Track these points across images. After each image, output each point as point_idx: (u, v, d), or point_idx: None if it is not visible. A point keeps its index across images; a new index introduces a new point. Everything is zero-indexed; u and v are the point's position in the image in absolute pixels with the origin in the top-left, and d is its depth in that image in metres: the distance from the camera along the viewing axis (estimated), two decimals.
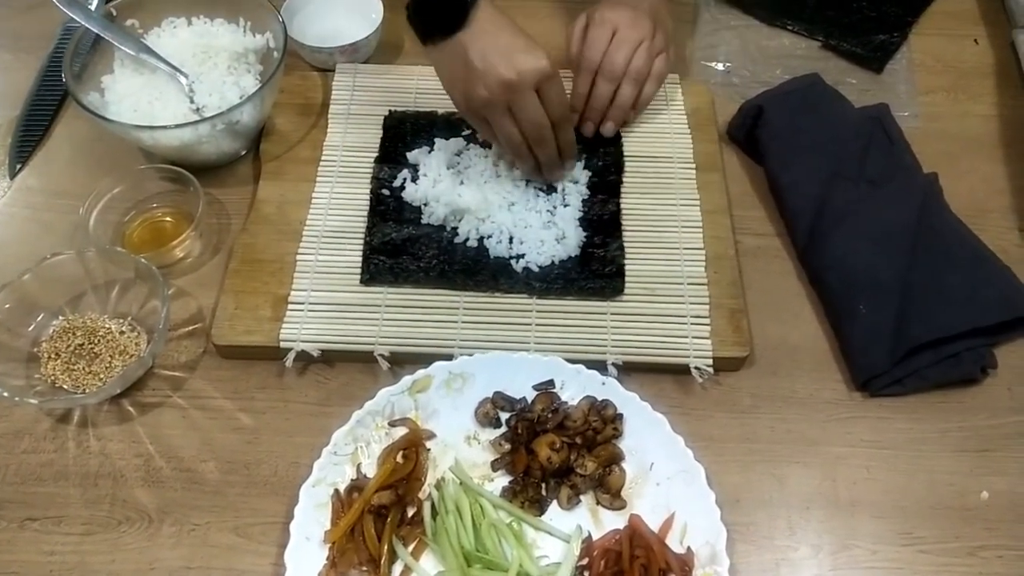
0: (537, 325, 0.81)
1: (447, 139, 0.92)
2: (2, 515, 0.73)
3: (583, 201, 0.88)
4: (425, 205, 0.88)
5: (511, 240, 0.85)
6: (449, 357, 0.78)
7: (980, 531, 0.72)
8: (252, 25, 0.96)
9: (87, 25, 0.90)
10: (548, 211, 0.87)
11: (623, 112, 0.92)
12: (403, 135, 0.94)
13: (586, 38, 0.91)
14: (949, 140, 0.97)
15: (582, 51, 0.91)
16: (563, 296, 0.82)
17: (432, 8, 0.80)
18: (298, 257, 0.85)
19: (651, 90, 0.93)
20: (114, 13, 0.93)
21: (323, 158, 0.93)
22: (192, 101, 0.91)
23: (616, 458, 0.74)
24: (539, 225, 0.86)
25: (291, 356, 0.79)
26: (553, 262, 0.84)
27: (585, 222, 0.87)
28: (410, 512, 0.72)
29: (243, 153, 0.95)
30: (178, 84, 0.92)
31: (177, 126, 0.85)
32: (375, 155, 0.93)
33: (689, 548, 0.69)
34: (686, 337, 0.80)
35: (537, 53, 0.78)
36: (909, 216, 0.85)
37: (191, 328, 0.83)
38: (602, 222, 0.87)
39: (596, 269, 0.83)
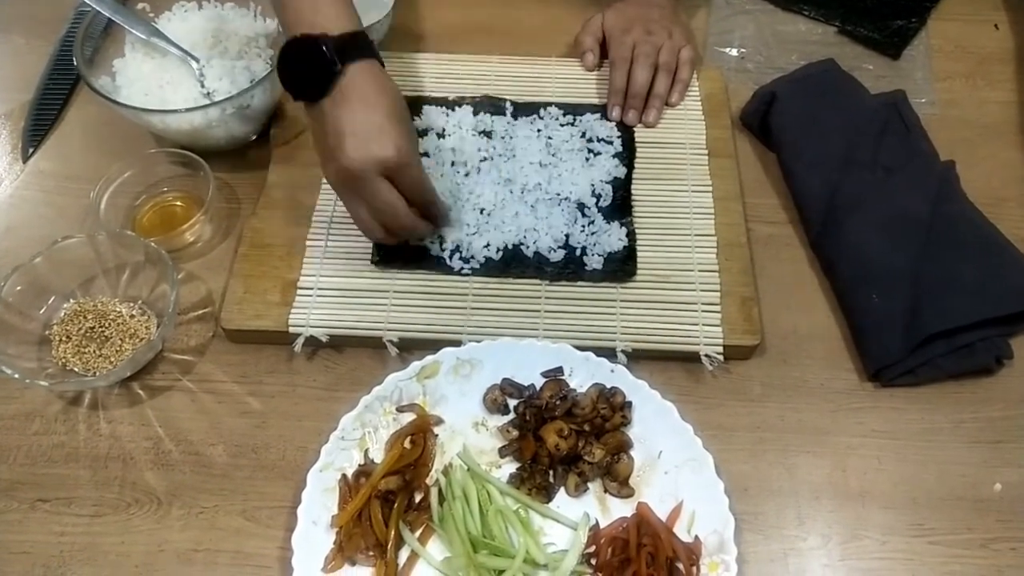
0: (546, 312, 0.80)
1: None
2: (13, 496, 0.73)
3: (594, 185, 0.88)
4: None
5: (525, 231, 0.85)
6: (457, 343, 0.77)
7: (993, 523, 0.71)
8: (263, 10, 0.96)
9: (99, 8, 0.90)
10: (558, 195, 0.87)
11: (662, 101, 0.94)
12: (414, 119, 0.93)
13: (612, 38, 0.96)
14: (967, 127, 0.96)
15: (612, 50, 0.96)
16: (574, 280, 0.82)
17: (292, 73, 0.75)
18: (307, 242, 0.85)
19: (687, 74, 0.96)
20: None
21: None
22: (203, 85, 0.91)
23: (624, 446, 0.73)
24: (552, 209, 0.86)
25: (300, 341, 0.79)
26: (565, 244, 0.84)
27: (598, 207, 0.86)
28: (417, 498, 0.72)
29: (253, 138, 0.95)
30: (189, 68, 0.91)
31: (187, 110, 0.85)
32: None
33: (697, 537, 0.68)
34: (696, 325, 0.79)
35: (385, 139, 0.71)
36: (924, 204, 0.84)
37: (201, 312, 0.83)
38: (614, 207, 0.86)
39: (608, 254, 0.83)
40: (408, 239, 0.81)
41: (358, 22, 0.76)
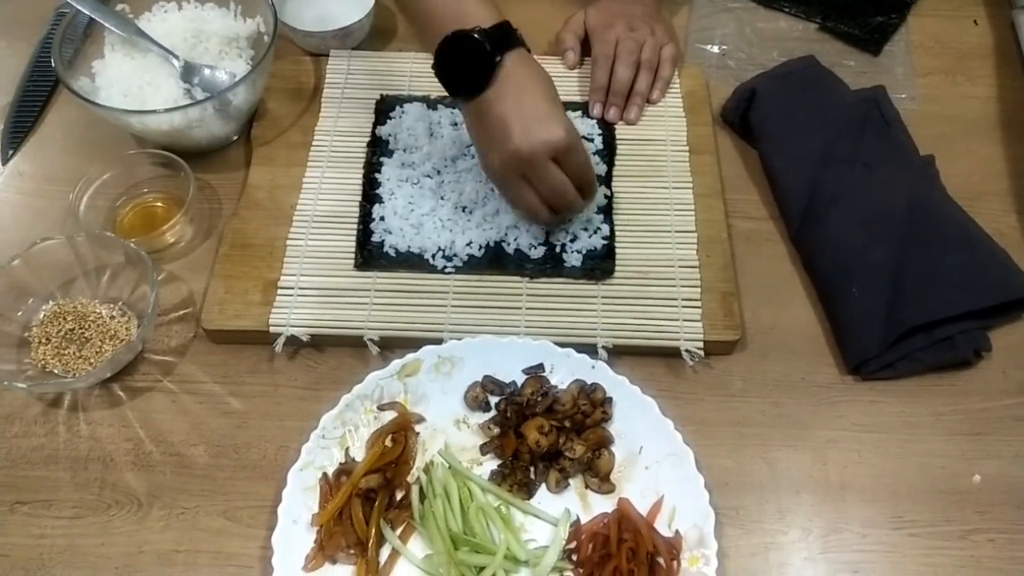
0: (527, 309, 0.80)
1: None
2: None
3: None
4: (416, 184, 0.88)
5: (507, 229, 0.85)
6: (438, 341, 0.77)
7: (971, 515, 0.72)
8: (243, 10, 0.96)
9: (80, 8, 0.90)
10: None
11: (643, 98, 0.95)
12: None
13: (594, 35, 0.97)
14: (947, 122, 0.96)
15: (595, 47, 0.96)
16: (554, 277, 0.82)
17: (453, 69, 0.77)
18: (288, 242, 0.85)
19: (668, 71, 0.96)
20: None
21: (314, 143, 0.92)
22: (186, 81, 0.91)
23: (605, 442, 0.73)
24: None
25: (281, 341, 0.79)
26: (545, 242, 0.84)
27: None
28: (398, 496, 0.72)
29: (234, 139, 0.94)
30: (169, 68, 0.91)
31: (167, 110, 0.85)
32: (367, 140, 0.92)
33: (677, 531, 0.69)
34: (677, 320, 0.79)
35: (554, 124, 0.74)
36: (903, 199, 0.84)
37: (181, 313, 0.83)
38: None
39: (587, 251, 0.83)
40: (567, 218, 0.83)
41: (498, 11, 0.77)
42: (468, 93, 0.76)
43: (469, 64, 0.75)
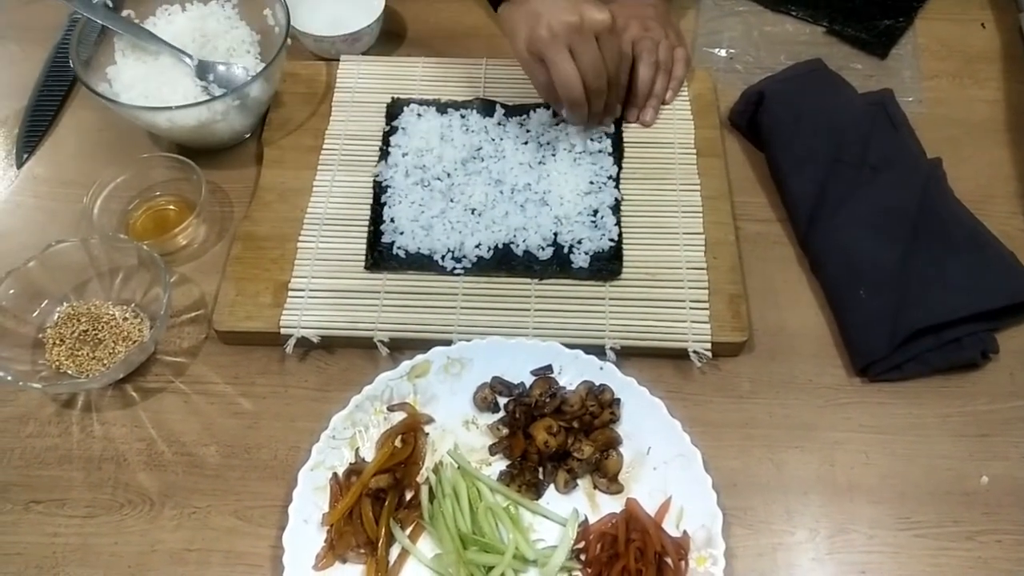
0: (536, 310, 0.81)
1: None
2: (7, 498, 0.74)
3: (586, 184, 0.89)
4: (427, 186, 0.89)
5: (515, 231, 0.86)
6: (448, 342, 0.78)
7: (979, 516, 0.72)
8: (248, 5, 0.97)
9: (90, 16, 0.91)
10: (547, 194, 0.87)
11: (659, 100, 0.96)
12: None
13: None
14: (954, 125, 0.96)
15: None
16: (561, 278, 0.83)
17: None
18: (299, 244, 0.86)
19: (681, 71, 0.97)
20: (110, 4, 0.93)
21: (325, 146, 0.93)
22: (201, 79, 0.92)
23: (613, 442, 0.74)
24: (541, 209, 0.87)
25: (291, 342, 0.79)
26: (553, 243, 0.85)
27: (585, 206, 0.87)
28: (408, 496, 0.72)
29: (247, 136, 0.96)
30: (182, 68, 0.93)
31: (194, 104, 0.86)
32: (378, 144, 0.93)
33: (685, 532, 0.69)
34: (685, 322, 0.80)
35: (601, 7, 0.81)
36: (911, 201, 0.84)
37: (193, 314, 0.84)
38: (602, 206, 0.87)
39: (595, 252, 0.84)
40: (592, 119, 0.88)
41: None
42: None
43: None
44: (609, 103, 0.89)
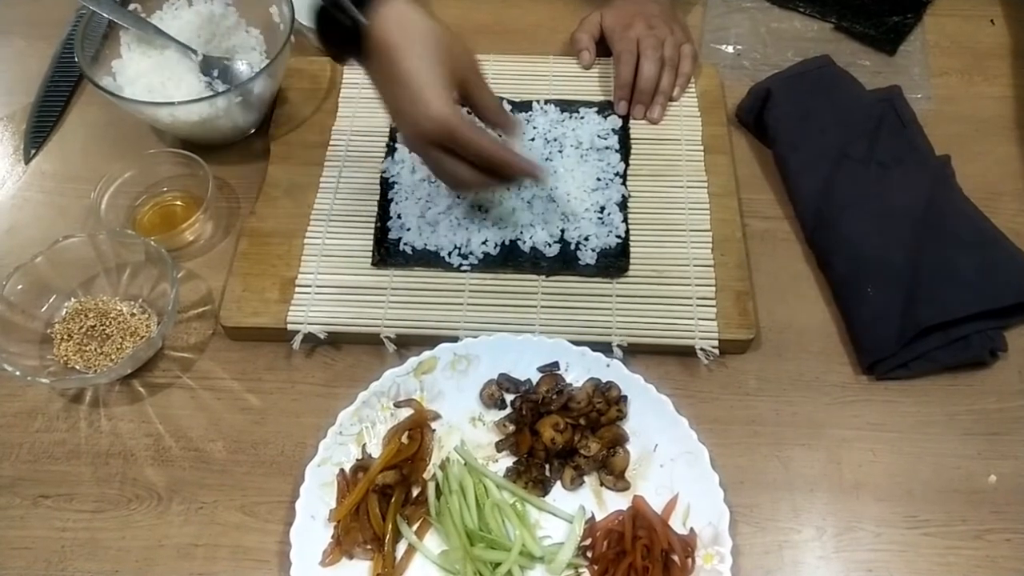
0: (542, 307, 0.81)
1: None
2: (16, 492, 0.74)
3: (592, 181, 0.89)
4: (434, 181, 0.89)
5: (522, 227, 0.86)
6: (454, 339, 0.78)
7: (987, 514, 0.72)
8: (253, 2, 0.97)
9: (96, 9, 0.91)
10: (554, 191, 0.87)
11: (666, 97, 0.95)
12: None
13: (614, 34, 0.96)
14: (963, 122, 0.96)
15: (616, 44, 0.96)
16: (568, 275, 0.82)
17: (328, 35, 0.72)
18: (306, 240, 0.86)
19: (688, 67, 0.96)
20: None
21: (331, 142, 0.93)
22: (205, 74, 0.93)
23: (620, 439, 0.74)
24: (548, 205, 0.87)
25: (298, 338, 0.80)
26: (560, 239, 0.84)
27: (592, 203, 0.87)
28: (414, 492, 0.73)
29: (252, 131, 0.96)
30: (187, 63, 0.93)
31: (196, 100, 0.86)
32: (384, 140, 0.93)
33: (692, 529, 0.69)
34: (692, 319, 0.80)
35: (421, 113, 0.68)
36: (919, 198, 0.84)
37: (200, 310, 0.84)
38: (609, 203, 0.87)
39: (601, 249, 0.84)
40: (506, 173, 0.75)
41: None
42: (353, 59, 0.72)
43: (338, 31, 0.70)
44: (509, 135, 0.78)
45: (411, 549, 0.70)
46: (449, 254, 0.84)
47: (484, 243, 0.84)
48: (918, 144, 0.90)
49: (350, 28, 0.69)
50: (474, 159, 0.72)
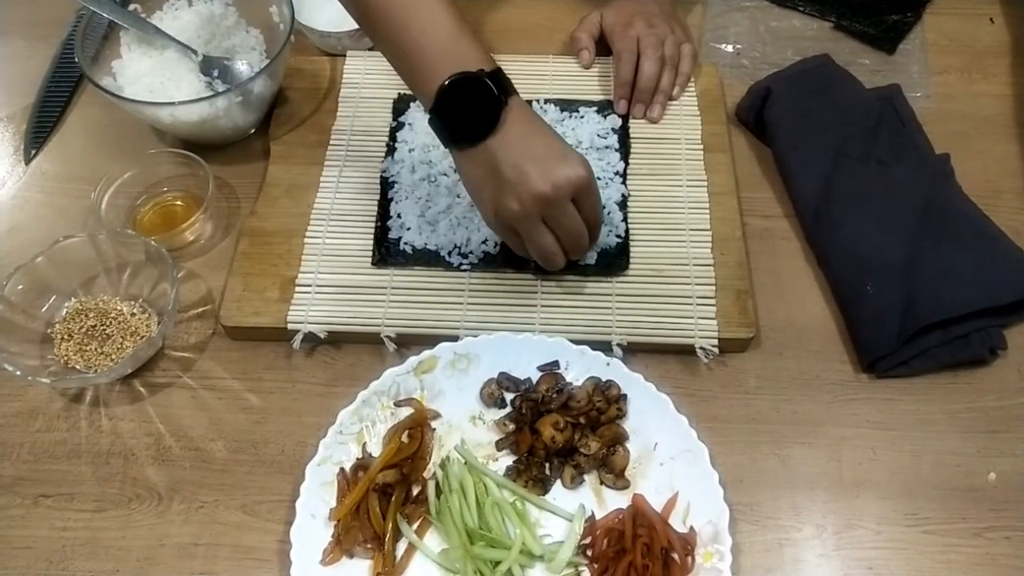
0: (542, 306, 0.81)
1: None
2: (16, 492, 0.74)
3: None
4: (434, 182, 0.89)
5: None
6: (454, 338, 0.78)
7: (987, 512, 0.72)
8: (253, 2, 0.97)
9: (96, 9, 0.91)
10: None
11: (666, 96, 0.95)
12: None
13: (614, 33, 0.96)
14: (962, 120, 0.96)
15: (617, 43, 0.95)
16: (568, 274, 0.82)
17: (458, 113, 0.72)
18: (306, 240, 0.86)
19: (688, 66, 0.96)
20: None
21: (331, 142, 0.93)
22: (205, 74, 0.93)
23: (620, 438, 0.74)
24: None
25: (298, 338, 0.80)
26: None
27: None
28: (415, 491, 0.73)
29: (252, 131, 0.96)
30: (187, 63, 0.93)
31: (196, 100, 0.86)
32: (384, 140, 0.93)
33: (692, 528, 0.69)
34: (692, 318, 0.80)
35: (573, 161, 0.71)
36: (919, 197, 0.84)
37: (201, 310, 0.84)
38: (608, 202, 0.87)
39: (601, 248, 0.84)
40: (564, 263, 0.78)
41: (491, 56, 0.75)
42: (472, 139, 0.72)
43: (476, 109, 0.71)
44: (593, 241, 0.79)
45: (411, 548, 0.70)
46: (449, 253, 0.84)
47: (484, 242, 0.84)
48: (918, 142, 0.90)
49: (491, 107, 0.71)
50: (587, 216, 0.74)
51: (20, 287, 0.80)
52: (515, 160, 0.71)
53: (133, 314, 0.82)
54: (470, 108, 0.72)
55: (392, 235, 0.85)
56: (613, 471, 0.72)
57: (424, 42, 0.73)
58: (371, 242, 0.85)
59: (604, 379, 0.76)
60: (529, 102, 0.93)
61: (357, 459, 0.73)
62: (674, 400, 0.74)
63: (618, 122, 0.94)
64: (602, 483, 0.73)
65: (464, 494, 0.70)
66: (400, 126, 0.94)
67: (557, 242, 0.75)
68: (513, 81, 0.96)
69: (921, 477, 0.73)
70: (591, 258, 0.83)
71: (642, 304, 0.81)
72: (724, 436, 0.75)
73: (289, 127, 0.95)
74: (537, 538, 0.69)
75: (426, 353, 0.77)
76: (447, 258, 0.84)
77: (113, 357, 0.79)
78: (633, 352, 0.79)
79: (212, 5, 0.97)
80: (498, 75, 0.73)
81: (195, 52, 0.93)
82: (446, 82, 0.71)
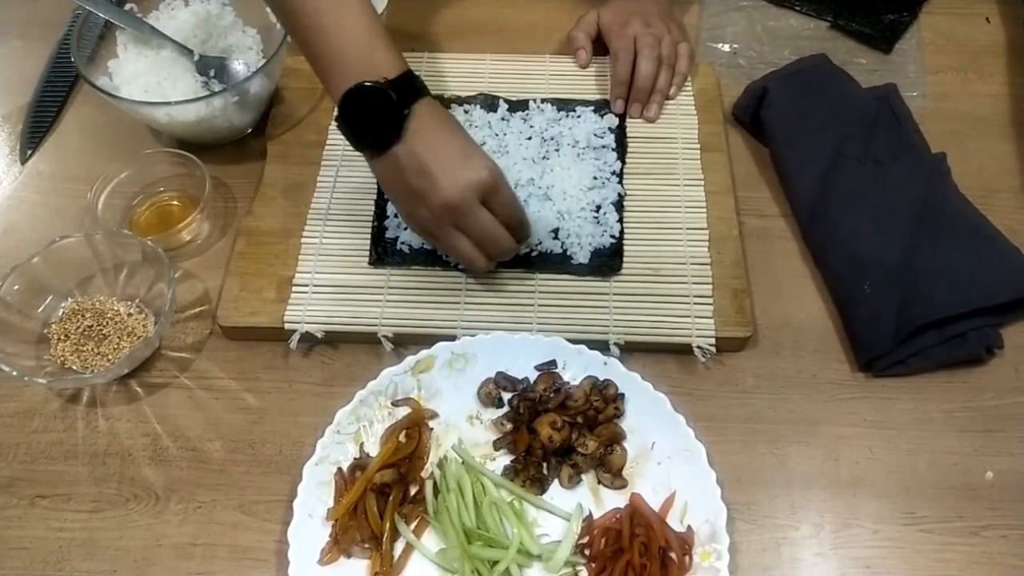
0: (540, 306, 0.81)
1: None
2: (13, 492, 0.74)
3: (589, 179, 0.89)
4: None
5: None
6: (452, 338, 0.78)
7: (983, 511, 0.72)
8: (250, 1, 0.97)
9: (94, 10, 0.91)
10: (550, 189, 0.87)
11: (663, 96, 0.95)
12: None
13: (611, 32, 0.96)
14: (958, 120, 0.96)
15: (614, 42, 0.95)
16: (561, 273, 0.83)
17: (360, 122, 0.73)
18: (303, 239, 0.86)
19: (685, 66, 0.96)
20: None
21: (328, 141, 0.93)
22: (202, 74, 0.93)
23: (617, 437, 0.74)
24: (543, 204, 0.87)
25: (295, 337, 0.80)
26: (555, 238, 0.84)
27: (588, 202, 0.87)
28: (412, 491, 0.73)
29: (248, 131, 0.96)
30: (185, 63, 0.93)
31: (192, 100, 0.86)
32: None
33: (689, 527, 0.69)
34: (689, 317, 0.80)
35: (477, 163, 0.71)
36: (915, 196, 0.84)
37: (198, 310, 0.84)
38: (604, 202, 0.87)
39: (595, 248, 0.84)
40: (492, 265, 0.79)
41: (404, 61, 0.75)
42: (376, 147, 0.73)
43: (377, 118, 0.72)
44: (520, 240, 0.79)
45: (409, 547, 0.70)
46: (446, 253, 0.84)
47: None
48: (914, 142, 0.90)
49: (390, 116, 0.71)
50: (502, 213, 0.74)
51: (16, 287, 0.80)
52: (419, 167, 0.71)
53: (130, 314, 0.82)
54: (371, 117, 0.73)
55: (389, 235, 0.85)
56: (611, 470, 0.72)
57: (332, 48, 0.74)
58: (368, 242, 0.85)
59: (601, 378, 0.76)
60: (526, 101, 0.94)
61: (355, 459, 0.73)
62: (671, 399, 0.74)
63: (615, 121, 0.94)
64: (600, 482, 0.73)
65: (462, 494, 0.70)
66: None
67: (473, 246, 0.75)
68: (511, 81, 0.97)
69: (918, 476, 0.74)
70: (584, 256, 0.83)
71: (639, 303, 0.81)
72: (721, 435, 0.75)
73: (286, 127, 0.95)
74: (535, 537, 0.69)
75: (423, 353, 0.77)
76: (444, 258, 0.84)
77: (110, 357, 0.79)
78: (630, 351, 0.79)
79: (208, 5, 0.97)
80: (405, 81, 0.73)
81: (191, 52, 0.93)
82: (346, 92, 0.72)
